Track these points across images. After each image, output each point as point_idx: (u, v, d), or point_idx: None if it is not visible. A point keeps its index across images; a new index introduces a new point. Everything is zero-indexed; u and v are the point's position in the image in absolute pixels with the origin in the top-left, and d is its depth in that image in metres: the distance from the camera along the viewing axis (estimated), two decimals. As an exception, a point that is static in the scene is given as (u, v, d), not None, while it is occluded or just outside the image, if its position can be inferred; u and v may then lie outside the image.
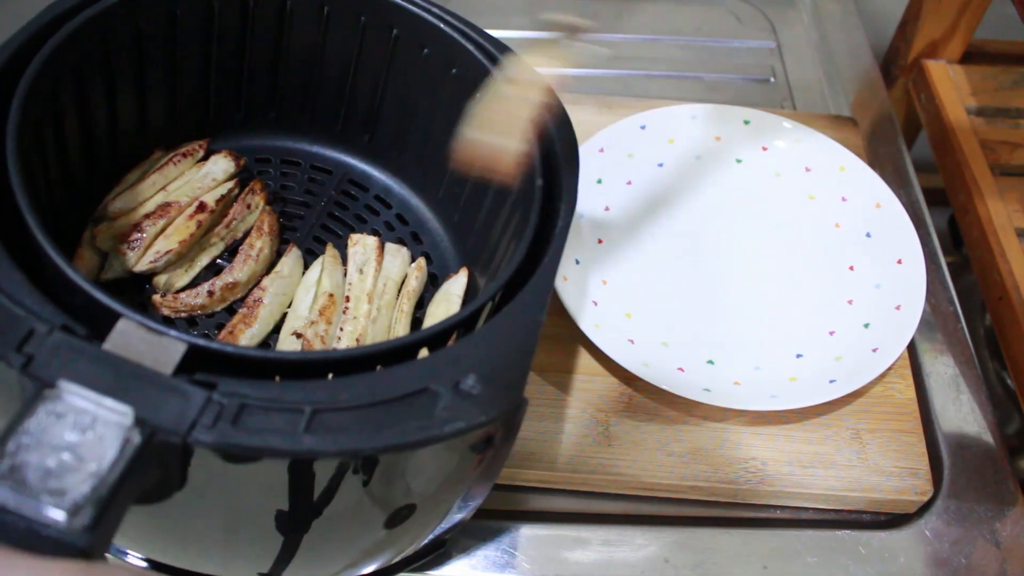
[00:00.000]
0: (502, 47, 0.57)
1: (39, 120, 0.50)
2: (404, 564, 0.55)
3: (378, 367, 0.41)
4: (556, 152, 0.53)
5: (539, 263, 0.48)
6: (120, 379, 0.36)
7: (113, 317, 0.39)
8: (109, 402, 0.34)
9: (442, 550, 0.57)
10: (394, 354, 0.42)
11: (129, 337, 0.38)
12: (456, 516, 0.49)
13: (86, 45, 0.52)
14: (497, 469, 0.46)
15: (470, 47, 0.57)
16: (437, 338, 0.44)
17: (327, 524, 0.43)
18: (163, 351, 0.37)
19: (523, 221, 0.51)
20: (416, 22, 0.58)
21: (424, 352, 0.44)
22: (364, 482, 0.40)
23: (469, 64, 0.57)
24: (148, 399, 0.35)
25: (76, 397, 0.34)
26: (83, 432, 0.33)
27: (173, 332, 0.38)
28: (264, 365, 0.40)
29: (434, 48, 0.58)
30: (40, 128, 0.50)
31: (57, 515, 0.31)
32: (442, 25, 0.57)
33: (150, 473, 0.35)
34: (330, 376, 0.41)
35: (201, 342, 0.38)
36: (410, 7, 0.58)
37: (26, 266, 0.40)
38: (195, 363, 0.38)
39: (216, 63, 0.60)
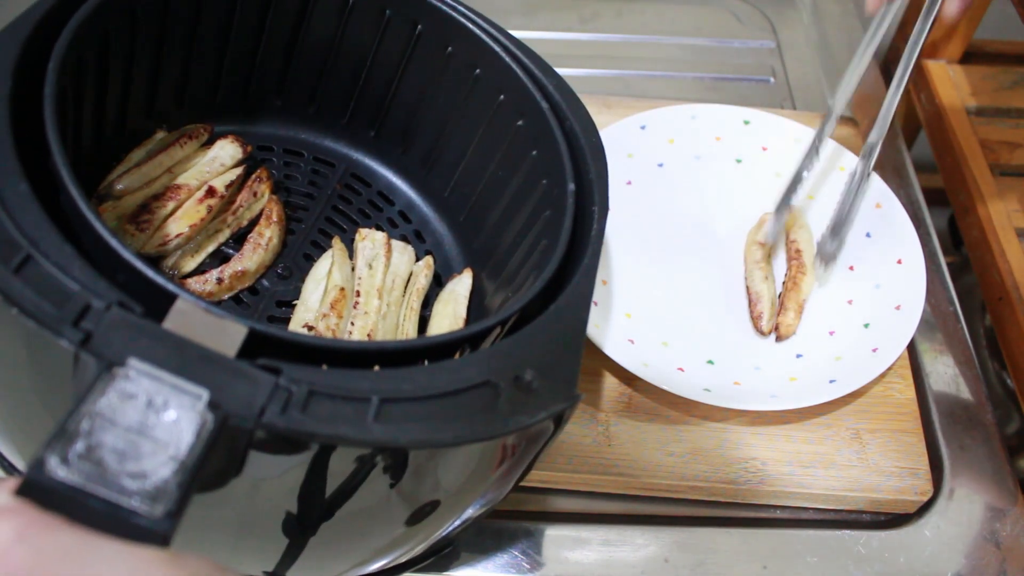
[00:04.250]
0: (530, 52, 0.56)
1: (64, 88, 0.47)
2: (411, 564, 0.54)
3: (424, 361, 0.41)
4: (585, 156, 0.53)
5: (573, 265, 0.48)
6: (187, 361, 0.34)
7: (166, 298, 0.37)
8: (184, 383, 0.33)
9: (449, 549, 0.57)
10: (443, 348, 0.42)
11: (188, 318, 0.36)
12: (473, 513, 0.49)
13: (117, 11, 0.51)
14: (527, 465, 0.46)
15: (497, 49, 0.56)
16: (480, 336, 0.44)
17: (351, 518, 0.42)
18: (223, 334, 0.36)
19: (555, 225, 0.51)
20: (443, 20, 0.57)
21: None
22: (401, 475, 0.39)
23: (494, 66, 0.56)
24: (218, 382, 0.34)
25: (148, 377, 0.33)
26: (157, 414, 0.32)
27: (232, 315, 0.37)
28: (324, 353, 0.39)
29: (459, 47, 0.57)
30: (64, 96, 0.48)
31: (140, 500, 0.29)
32: (470, 25, 0.56)
33: (216, 459, 0.34)
34: (376, 368, 0.39)
35: (261, 327, 0.37)
36: (440, 5, 0.57)
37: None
38: (253, 348, 0.36)
39: (233, 43, 0.59)
